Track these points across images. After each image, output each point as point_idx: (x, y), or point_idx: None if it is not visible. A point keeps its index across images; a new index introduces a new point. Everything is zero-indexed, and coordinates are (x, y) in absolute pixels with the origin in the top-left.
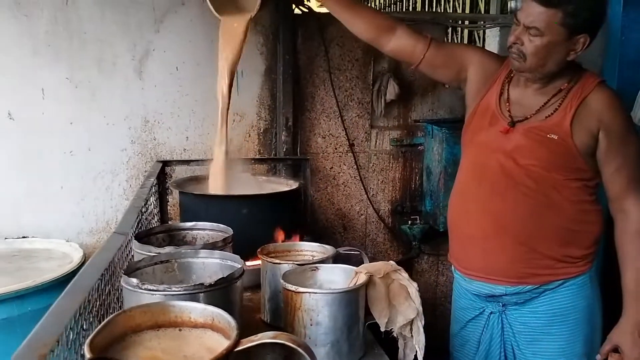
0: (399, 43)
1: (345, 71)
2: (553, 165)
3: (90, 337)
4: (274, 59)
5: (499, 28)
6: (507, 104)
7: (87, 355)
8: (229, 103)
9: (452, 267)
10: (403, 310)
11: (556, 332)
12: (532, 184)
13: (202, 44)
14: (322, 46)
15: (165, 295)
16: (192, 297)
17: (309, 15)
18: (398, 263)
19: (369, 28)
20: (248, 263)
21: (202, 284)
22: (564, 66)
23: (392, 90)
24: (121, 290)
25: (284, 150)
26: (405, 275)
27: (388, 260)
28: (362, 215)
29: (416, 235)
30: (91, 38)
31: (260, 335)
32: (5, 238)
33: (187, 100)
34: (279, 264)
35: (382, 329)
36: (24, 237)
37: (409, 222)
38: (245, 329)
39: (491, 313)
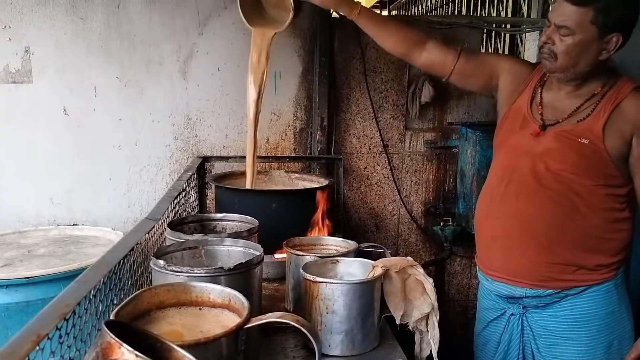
0: (429, 56)
1: (381, 73)
2: (583, 171)
3: (116, 309)
4: (311, 61)
5: (539, 32)
6: (540, 107)
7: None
8: (257, 112)
9: (477, 268)
10: (418, 304)
11: (576, 338)
12: (560, 189)
13: (242, 46)
14: (358, 49)
15: (188, 276)
16: (213, 279)
17: (346, 18)
18: (430, 264)
19: (399, 43)
20: (276, 256)
21: (222, 267)
22: (597, 68)
23: (427, 92)
24: (151, 272)
25: (319, 149)
26: (421, 270)
27: (420, 261)
28: (394, 215)
29: (448, 237)
30: (140, 40)
31: (268, 315)
32: (58, 225)
33: (227, 100)
34: (302, 255)
35: (397, 322)
36: (74, 225)
37: (442, 223)
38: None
39: (512, 315)
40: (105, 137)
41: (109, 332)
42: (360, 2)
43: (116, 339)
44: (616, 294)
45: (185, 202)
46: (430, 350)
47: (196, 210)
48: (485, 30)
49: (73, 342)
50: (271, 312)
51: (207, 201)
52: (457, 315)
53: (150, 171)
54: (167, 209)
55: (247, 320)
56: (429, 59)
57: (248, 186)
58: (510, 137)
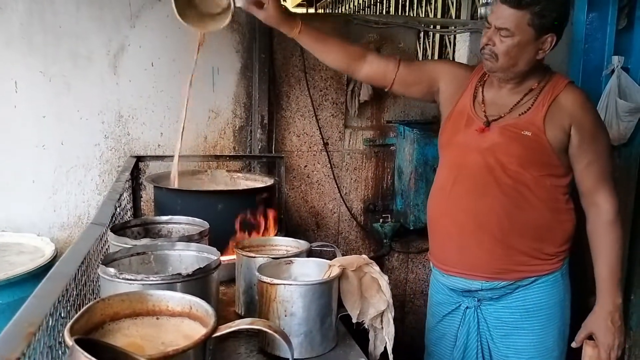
0: (370, 69)
1: (320, 71)
2: (528, 162)
3: (69, 324)
4: (250, 58)
5: (469, 33)
6: (482, 105)
7: (68, 339)
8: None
9: (431, 264)
10: (374, 302)
11: (528, 327)
12: (508, 181)
13: (178, 40)
14: (297, 45)
15: (143, 284)
16: (170, 287)
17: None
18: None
19: (340, 58)
20: (223, 258)
21: (179, 274)
22: (534, 66)
23: (365, 91)
24: (97, 281)
25: (259, 147)
26: (377, 268)
27: None
28: (335, 213)
29: (387, 233)
30: (66, 32)
31: (237, 321)
32: None
33: (162, 96)
34: (254, 257)
35: (354, 321)
36: None
37: (381, 220)
38: (221, 321)
39: (467, 308)
40: (28, 135)
41: (82, 351)
42: (300, 21)
43: (90, 357)
44: (562, 284)
45: (118, 206)
46: (385, 347)
47: (130, 214)
48: (420, 31)
49: None
50: (224, 318)
51: (142, 203)
52: (395, 310)
53: (78, 172)
54: (115, 212)
55: (214, 329)
56: (370, 72)
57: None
58: (456, 136)
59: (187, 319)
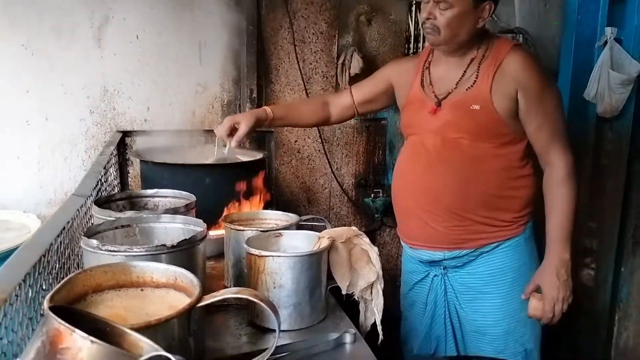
0: (336, 110)
1: (310, 44)
2: (480, 136)
3: (50, 294)
4: (237, 30)
5: None
6: (431, 86)
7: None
8: None
9: (400, 239)
10: (364, 273)
11: (493, 291)
12: (462, 157)
13: (163, 11)
14: (286, 17)
15: (127, 256)
16: (154, 258)
17: None
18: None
19: (311, 117)
20: (211, 232)
21: (164, 245)
22: (476, 35)
23: (356, 64)
24: (81, 255)
25: None
26: (367, 240)
27: None
28: (326, 188)
29: (379, 208)
30: (48, 4)
31: (222, 291)
32: None
33: (147, 70)
34: (243, 230)
35: (344, 292)
36: None
37: (372, 195)
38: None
39: (435, 276)
40: (11, 111)
41: (56, 318)
42: (267, 107)
43: (66, 324)
44: (525, 248)
45: (105, 181)
46: (375, 319)
47: (117, 190)
48: (412, 3)
49: (4, 332)
50: (213, 291)
51: (129, 179)
52: (387, 284)
53: (64, 148)
54: (96, 185)
55: (199, 299)
56: (338, 112)
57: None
58: (411, 120)
59: (172, 290)
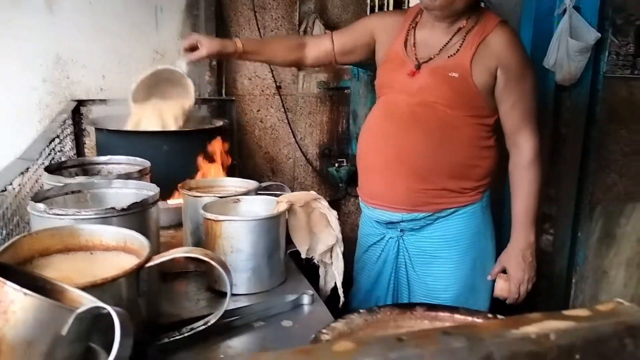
0: (313, 52)
1: (271, 10)
2: (454, 103)
3: None
4: None
5: None
6: (413, 48)
7: None
8: None
9: (359, 198)
10: (323, 237)
11: (447, 256)
12: (434, 121)
13: None
14: None
15: (75, 219)
16: (104, 222)
17: None
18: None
19: (285, 55)
20: (170, 202)
21: (113, 208)
22: (470, 4)
23: (318, 31)
24: (29, 220)
25: (209, 91)
26: (325, 203)
27: None
28: (290, 158)
29: (343, 178)
30: None
31: (172, 250)
32: None
33: (103, 37)
34: (200, 197)
35: (303, 256)
36: None
37: (336, 164)
38: (173, 264)
39: (390, 238)
40: None
41: None
42: (237, 39)
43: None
44: (481, 216)
45: (60, 151)
46: (335, 282)
47: None
48: None
49: None
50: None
51: (86, 150)
52: (351, 253)
53: (16, 118)
54: (43, 151)
55: (148, 259)
56: (315, 55)
57: None
58: (389, 79)
59: (122, 252)
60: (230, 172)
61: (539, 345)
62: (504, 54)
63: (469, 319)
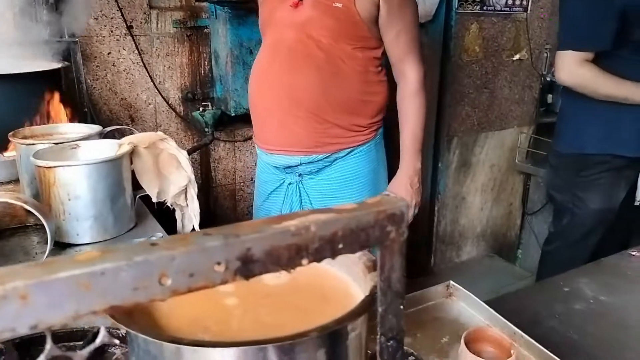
0: None
1: None
2: (340, 35)
3: None
4: None
5: None
6: None
7: None
8: None
9: (255, 145)
10: (174, 179)
11: (345, 196)
12: (323, 56)
13: None
14: None
15: None
16: None
17: None
18: (193, 151)
19: None
20: (6, 154)
21: None
22: None
23: None
24: None
25: (48, 32)
26: (173, 144)
27: (183, 149)
28: (150, 104)
29: (209, 122)
30: None
31: None
32: None
33: None
34: (33, 144)
35: (154, 200)
36: None
37: (201, 109)
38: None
39: (290, 184)
40: None
41: None
42: None
43: None
44: (375, 153)
45: None
46: (193, 225)
47: None
48: None
49: None
50: (10, 215)
51: None
52: (226, 200)
53: None
54: None
55: None
56: None
57: None
58: (272, 14)
59: None
60: (83, 120)
61: (299, 237)
62: None
63: None
